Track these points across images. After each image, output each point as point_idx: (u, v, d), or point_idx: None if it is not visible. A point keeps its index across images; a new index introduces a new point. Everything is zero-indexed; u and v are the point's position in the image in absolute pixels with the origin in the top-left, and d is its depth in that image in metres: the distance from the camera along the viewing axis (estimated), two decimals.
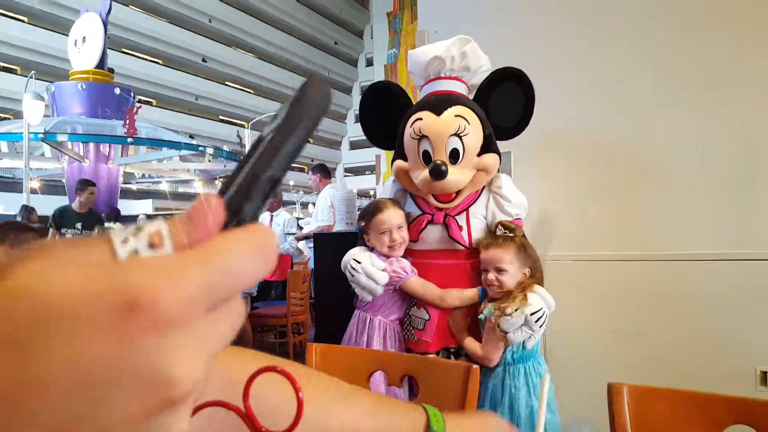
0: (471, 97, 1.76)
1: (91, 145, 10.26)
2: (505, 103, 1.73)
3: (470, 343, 1.62)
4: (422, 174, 1.66)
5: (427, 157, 1.66)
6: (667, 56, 1.86)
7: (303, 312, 4.57)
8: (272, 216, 5.53)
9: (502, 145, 1.74)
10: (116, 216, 6.73)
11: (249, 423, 0.30)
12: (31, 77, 8.24)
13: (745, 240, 1.72)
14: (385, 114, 1.83)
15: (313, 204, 5.19)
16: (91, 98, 10.50)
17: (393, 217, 1.71)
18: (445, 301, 1.67)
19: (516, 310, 1.47)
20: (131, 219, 8.63)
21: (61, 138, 9.28)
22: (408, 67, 1.89)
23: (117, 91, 10.81)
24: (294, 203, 22.85)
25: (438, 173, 1.59)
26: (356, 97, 34.02)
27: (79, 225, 5.27)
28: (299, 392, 0.30)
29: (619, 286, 1.90)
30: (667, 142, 1.85)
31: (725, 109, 1.77)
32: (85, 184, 5.41)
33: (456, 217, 1.70)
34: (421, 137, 1.68)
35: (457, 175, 1.64)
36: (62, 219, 5.25)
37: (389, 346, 1.75)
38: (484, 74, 1.77)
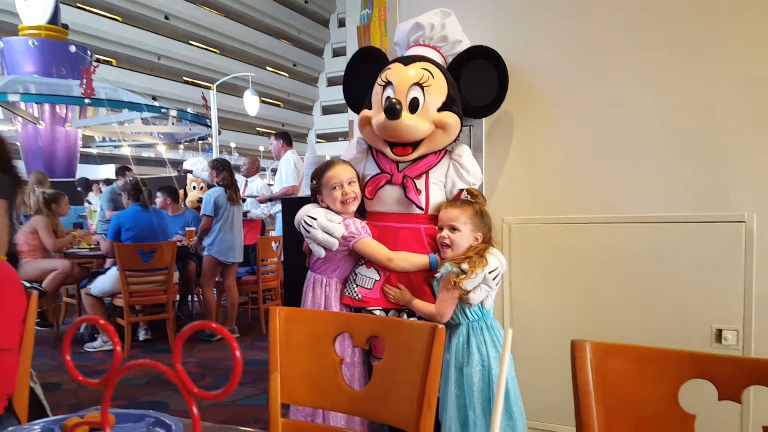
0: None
1: (47, 106, 9.78)
2: (478, 80, 1.77)
3: (420, 304, 1.67)
4: (379, 116, 1.67)
5: None
6: (629, 18, 1.85)
7: (275, 278, 4.54)
8: (247, 182, 5.56)
9: None
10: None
11: (181, 385, 0.27)
12: None
13: (704, 202, 1.76)
14: (368, 80, 1.83)
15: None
16: (44, 56, 9.94)
17: (342, 171, 1.72)
18: (393, 262, 1.68)
19: (477, 268, 1.54)
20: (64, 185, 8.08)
21: (12, 98, 8.78)
22: (394, 39, 1.94)
23: (72, 48, 10.26)
24: (265, 170, 22.49)
25: (392, 110, 1.60)
26: (328, 60, 33.14)
27: None
28: (236, 351, 0.27)
29: (583, 248, 1.93)
30: (632, 105, 1.85)
31: (690, 73, 1.77)
32: None
33: (415, 180, 1.70)
34: (387, 83, 1.70)
35: (412, 121, 1.64)
36: None
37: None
38: (461, 49, 1.81)
